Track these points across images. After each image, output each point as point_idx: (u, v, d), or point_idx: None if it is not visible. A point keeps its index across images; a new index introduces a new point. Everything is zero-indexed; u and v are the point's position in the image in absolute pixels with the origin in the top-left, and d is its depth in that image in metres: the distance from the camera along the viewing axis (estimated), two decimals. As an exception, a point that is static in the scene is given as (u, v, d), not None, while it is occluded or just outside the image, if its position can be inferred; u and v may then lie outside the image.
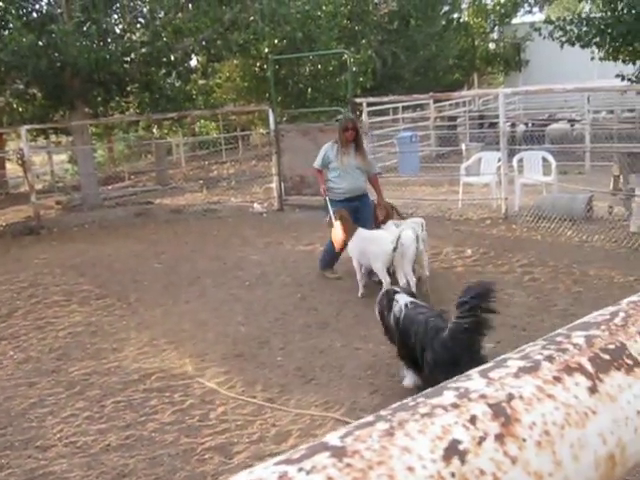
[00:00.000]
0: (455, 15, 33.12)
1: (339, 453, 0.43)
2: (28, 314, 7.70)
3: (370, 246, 7.18)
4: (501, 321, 6.24)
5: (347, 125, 7.97)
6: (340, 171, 7.89)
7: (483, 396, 0.45)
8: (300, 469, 0.44)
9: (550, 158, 11.33)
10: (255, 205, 13.26)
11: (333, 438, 0.45)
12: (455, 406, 0.44)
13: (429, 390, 0.49)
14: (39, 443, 4.66)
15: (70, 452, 4.51)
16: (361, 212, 7.93)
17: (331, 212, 7.75)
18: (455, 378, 0.49)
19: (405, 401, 0.47)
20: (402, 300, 5.03)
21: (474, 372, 0.49)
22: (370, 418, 0.45)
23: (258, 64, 22.25)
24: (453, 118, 22.41)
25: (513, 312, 6.52)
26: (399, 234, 6.97)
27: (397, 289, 5.46)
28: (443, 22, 30.97)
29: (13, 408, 5.26)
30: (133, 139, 23.84)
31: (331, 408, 4.81)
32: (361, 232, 7.44)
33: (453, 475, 0.41)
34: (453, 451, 0.42)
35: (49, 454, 4.50)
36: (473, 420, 0.44)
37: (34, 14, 14.38)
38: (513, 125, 17.47)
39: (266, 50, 19.73)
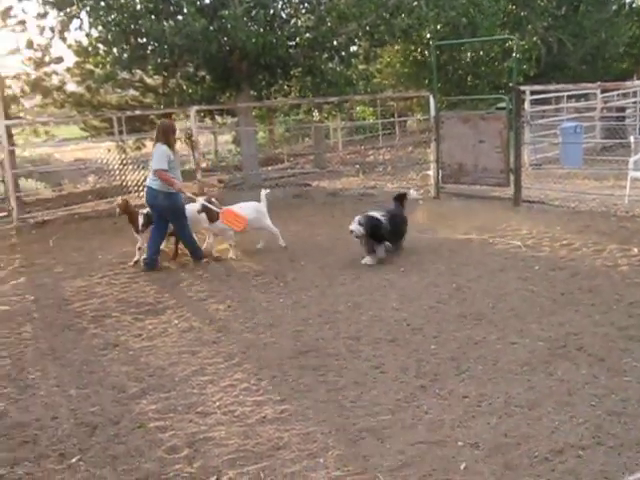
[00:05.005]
0: (627, 0, 31.32)
1: None
2: (191, 286, 8.08)
3: (249, 215, 9.12)
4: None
5: (175, 128, 9.17)
6: (177, 169, 8.89)
7: None
8: None
9: None
10: (411, 191, 13.13)
11: None
12: None
13: None
14: (200, 409, 4.89)
15: (228, 420, 4.69)
16: None
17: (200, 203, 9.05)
18: None
19: None
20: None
21: None
22: None
23: (419, 50, 22.10)
24: (621, 109, 21.24)
25: (684, 317, 6.12)
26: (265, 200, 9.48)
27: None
28: (614, 7, 29.40)
29: (177, 374, 5.54)
30: (292, 122, 24.35)
31: (484, 402, 4.72)
32: (233, 208, 9.19)
33: None
34: None
35: (209, 420, 4.71)
36: None
37: (207, 0, 14.95)
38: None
39: (428, 36, 19.54)
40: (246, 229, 9.19)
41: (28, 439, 4.59)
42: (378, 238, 8.37)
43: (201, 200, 9.11)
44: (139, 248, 9.19)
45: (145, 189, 9.00)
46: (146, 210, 9.13)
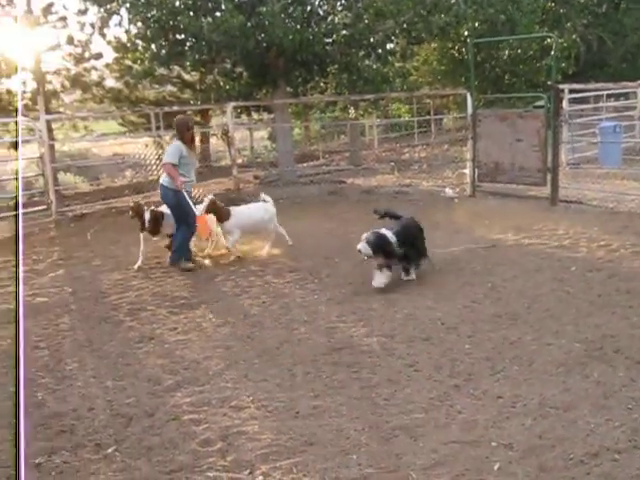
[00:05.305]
0: (670, -3, 30.74)
1: None
2: (226, 281, 8.14)
3: (260, 215, 9.16)
4: None
5: (191, 124, 9.12)
6: (190, 166, 8.83)
7: None
8: None
9: None
10: (447, 190, 13.12)
11: None
12: None
13: None
14: (234, 403, 4.93)
15: (262, 415, 4.72)
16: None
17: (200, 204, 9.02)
18: None
19: None
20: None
21: None
22: None
23: (456, 47, 21.95)
24: (662, 108, 20.87)
25: None
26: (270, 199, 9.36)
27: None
28: (657, 4, 28.86)
29: (211, 368, 5.59)
30: (328, 119, 24.36)
31: (519, 402, 4.68)
32: (239, 210, 9.17)
33: None
34: None
35: (242, 414, 4.75)
36: None
37: (245, -4, 15.02)
38: None
39: (465, 33, 19.41)
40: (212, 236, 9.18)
41: (65, 429, 4.67)
42: (389, 257, 7.49)
43: (206, 199, 9.04)
44: (166, 246, 9.24)
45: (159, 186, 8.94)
46: (152, 207, 9.14)
